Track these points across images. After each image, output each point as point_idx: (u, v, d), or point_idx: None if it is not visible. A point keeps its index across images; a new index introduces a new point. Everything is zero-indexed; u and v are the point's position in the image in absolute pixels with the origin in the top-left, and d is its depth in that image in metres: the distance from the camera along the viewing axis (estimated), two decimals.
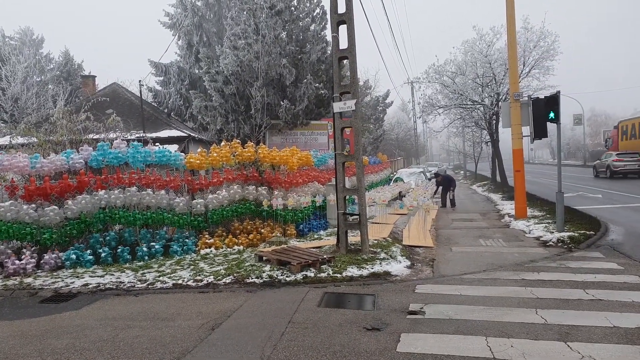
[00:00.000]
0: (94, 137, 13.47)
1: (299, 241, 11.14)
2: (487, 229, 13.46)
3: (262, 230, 11.01)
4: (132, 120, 24.25)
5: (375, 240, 10.98)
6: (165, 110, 27.12)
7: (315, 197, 12.29)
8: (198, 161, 10.53)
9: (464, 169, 50.87)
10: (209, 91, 19.00)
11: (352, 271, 8.27)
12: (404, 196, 17.04)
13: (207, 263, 9.17)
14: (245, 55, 17.28)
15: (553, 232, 11.75)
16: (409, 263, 9.12)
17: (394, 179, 24.95)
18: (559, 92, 11.76)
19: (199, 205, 10.32)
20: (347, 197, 11.12)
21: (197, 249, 10.15)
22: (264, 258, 8.94)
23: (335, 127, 9.49)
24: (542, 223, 13.37)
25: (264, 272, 8.20)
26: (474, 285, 7.44)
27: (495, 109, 22.96)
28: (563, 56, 22.24)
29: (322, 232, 12.34)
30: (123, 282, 7.97)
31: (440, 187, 19.30)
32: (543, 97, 12.44)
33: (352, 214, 9.70)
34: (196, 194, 10.81)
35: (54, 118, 12.62)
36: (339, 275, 8.08)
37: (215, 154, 10.84)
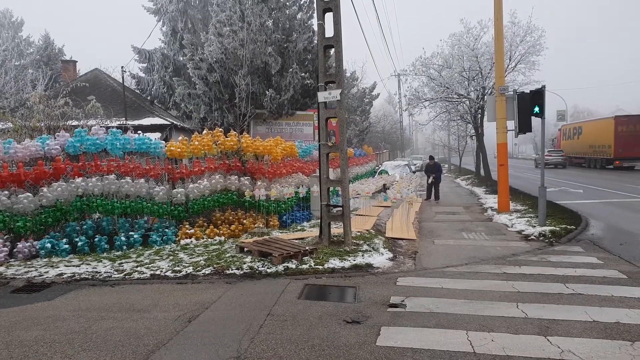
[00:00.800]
0: (73, 123, 13.12)
1: (281, 232, 11.02)
2: (470, 222, 13.50)
3: (244, 221, 10.85)
4: (113, 107, 23.71)
5: (359, 232, 10.91)
6: (149, 98, 26.63)
7: (299, 188, 12.16)
8: (179, 149, 10.30)
9: (448, 163, 51.19)
10: (192, 79, 18.65)
11: (334, 263, 8.18)
12: (388, 189, 17.02)
13: (187, 254, 9.00)
14: (230, 43, 16.97)
15: (535, 226, 11.82)
16: (391, 255, 9.06)
17: (378, 171, 24.93)
18: (544, 86, 11.77)
19: (179, 195, 10.11)
20: (331, 188, 11.02)
21: (177, 239, 9.96)
22: (245, 249, 8.80)
23: (319, 117, 9.35)
24: (524, 217, 13.45)
25: (244, 264, 8.07)
26: (456, 278, 7.41)
27: (481, 102, 23.03)
28: (548, 51, 22.38)
29: (305, 224, 12.23)
30: (99, 272, 7.76)
31: (432, 176, 19.21)
32: (528, 92, 12.44)
33: (335, 206, 9.60)
34: (177, 183, 10.59)
35: (30, 102, 12.21)
36: (320, 267, 7.98)
37: (196, 143, 10.61)
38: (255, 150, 11.44)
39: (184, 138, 10.83)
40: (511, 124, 15.10)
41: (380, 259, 8.70)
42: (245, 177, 11.26)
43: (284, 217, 11.81)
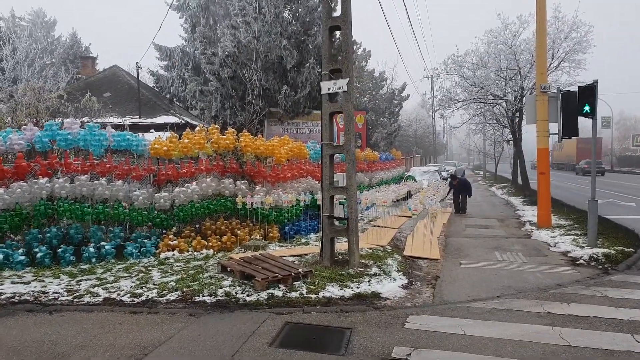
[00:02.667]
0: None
1: (281, 246, 9.53)
2: (504, 239, 11.66)
3: (238, 232, 9.42)
4: (129, 104, 23.00)
5: (371, 248, 9.31)
6: (168, 96, 25.78)
7: (306, 194, 10.67)
8: (165, 148, 8.97)
9: (483, 170, 48.60)
10: (207, 75, 17.47)
11: (332, 291, 6.62)
12: (413, 196, 15.33)
13: (162, 271, 7.62)
14: (243, 35, 15.68)
15: (584, 247, 9.91)
16: (405, 281, 7.43)
17: (405, 177, 23.15)
18: (596, 81, 9.87)
19: (162, 200, 8.77)
20: (341, 197, 9.48)
21: (157, 251, 8.62)
22: (229, 268, 7.35)
23: (322, 112, 7.84)
24: (569, 234, 11.52)
25: (221, 288, 6.61)
26: (484, 319, 5.73)
27: (519, 104, 20.96)
28: (595, 49, 20.11)
29: (312, 236, 10.71)
30: (46, 293, 6.46)
31: (452, 191, 17.29)
32: (577, 89, 10.52)
33: (341, 218, 8.04)
34: (163, 186, 9.27)
35: (17, 95, 11.21)
36: (313, 296, 6.44)
37: (186, 140, 9.26)
38: (256, 150, 10.01)
39: (172, 135, 9.50)
40: (553, 127, 13.26)
41: (391, 286, 7.08)
42: (243, 181, 9.84)
43: (287, 227, 10.31)
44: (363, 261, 8.16)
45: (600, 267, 8.66)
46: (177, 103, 25.80)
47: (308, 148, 12.65)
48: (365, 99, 32.32)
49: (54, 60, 34.14)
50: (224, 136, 9.74)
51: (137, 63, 19.91)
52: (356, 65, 30.81)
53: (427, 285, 7.46)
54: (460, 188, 17.03)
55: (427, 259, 9.32)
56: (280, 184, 10.60)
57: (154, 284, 6.82)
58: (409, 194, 16.36)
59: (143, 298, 6.26)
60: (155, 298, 6.26)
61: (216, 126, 10.45)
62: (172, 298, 6.28)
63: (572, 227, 12.76)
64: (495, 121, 25.49)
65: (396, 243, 10.91)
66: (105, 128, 8.90)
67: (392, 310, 6.10)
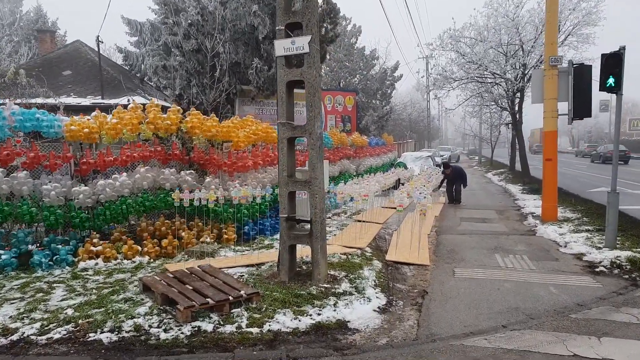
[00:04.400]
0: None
1: (236, 251, 7.78)
2: (505, 237, 9.99)
3: (183, 234, 7.66)
4: (92, 83, 20.85)
5: (345, 253, 7.61)
6: (138, 75, 23.71)
7: (273, 187, 8.90)
8: (86, 129, 7.13)
9: (479, 155, 46.90)
10: (171, 48, 15.48)
11: (282, 321, 4.91)
12: (403, 184, 13.61)
13: (69, 289, 5.87)
14: (209, 1, 13.71)
15: (601, 249, 8.28)
16: (383, 302, 5.74)
17: (396, 164, 21.38)
18: (623, 48, 8.09)
19: (81, 195, 6.97)
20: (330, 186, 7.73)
21: (76, 259, 6.85)
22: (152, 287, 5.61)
23: (278, 81, 6.04)
24: (580, 231, 9.90)
25: (132, 318, 4.88)
26: None
27: (520, 83, 19.17)
28: (606, 22, 18.28)
29: (277, 237, 8.97)
30: None
31: (445, 181, 15.57)
32: (601, 57, 8.72)
33: (303, 220, 6.29)
34: (88, 178, 7.46)
35: None
36: (255, 330, 4.73)
37: (114, 120, 7.42)
38: (207, 132, 8.17)
39: (99, 113, 7.62)
40: (562, 108, 11.59)
41: (363, 310, 5.39)
42: (189, 171, 8.04)
43: (247, 227, 8.54)
44: (332, 273, 6.45)
45: (626, 276, 7.03)
46: (149, 83, 23.76)
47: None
48: (356, 79, 30.35)
49: (15, 37, 31.78)
50: (164, 115, 7.89)
51: (97, 37, 17.81)
52: (345, 42, 28.73)
53: (411, 306, 5.77)
54: (454, 177, 15.30)
55: (414, 265, 7.65)
56: (240, 174, 8.82)
57: (45, 311, 5.08)
58: (398, 183, 14.62)
59: (15, 337, 4.51)
60: (33, 337, 4.51)
61: (178, 107, 8.56)
62: (56, 336, 4.53)
63: (581, 220, 11.15)
64: (493, 103, 23.69)
65: (378, 243, 9.23)
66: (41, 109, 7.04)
67: (360, 353, 4.40)
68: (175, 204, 7.18)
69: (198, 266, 6.08)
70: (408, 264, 7.72)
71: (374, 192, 9.46)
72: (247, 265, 6.81)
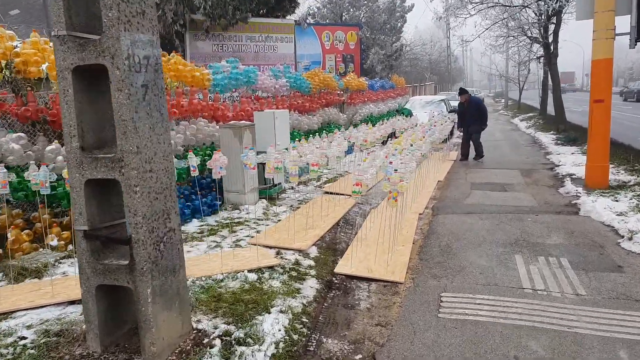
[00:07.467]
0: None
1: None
2: (533, 218, 6.74)
3: (11, 232, 4.69)
4: (44, 25, 18.09)
5: (259, 269, 4.55)
6: None
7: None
8: None
9: (505, 97, 42.35)
10: None
11: None
12: (396, 136, 10.31)
13: None
14: None
15: None
16: None
17: (400, 110, 17.86)
18: None
19: None
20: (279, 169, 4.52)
21: None
22: None
23: None
24: None
25: None
26: None
27: (556, 4, 15.05)
28: None
29: (190, 227, 5.95)
30: None
31: (455, 124, 12.06)
32: None
33: (116, 240, 3.15)
34: None
35: None
36: None
37: None
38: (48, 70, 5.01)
39: None
40: (622, 25, 8.18)
41: None
42: (17, 134, 4.96)
43: None
44: (204, 324, 3.41)
45: None
46: None
47: (248, 74, 7.60)
48: (360, 11, 26.21)
49: None
50: None
51: None
52: None
53: None
54: (471, 113, 11.68)
55: (378, 282, 4.60)
56: None
57: None
58: (392, 136, 11.27)
59: None
60: None
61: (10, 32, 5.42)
62: None
63: None
64: (521, 32, 19.53)
65: (339, 235, 6.14)
66: None
67: None
68: None
69: None
70: (370, 280, 4.66)
71: (331, 156, 6.24)
72: (60, 304, 3.83)
